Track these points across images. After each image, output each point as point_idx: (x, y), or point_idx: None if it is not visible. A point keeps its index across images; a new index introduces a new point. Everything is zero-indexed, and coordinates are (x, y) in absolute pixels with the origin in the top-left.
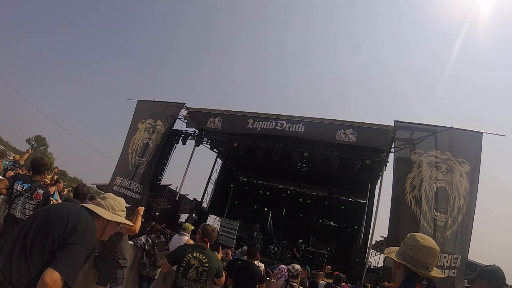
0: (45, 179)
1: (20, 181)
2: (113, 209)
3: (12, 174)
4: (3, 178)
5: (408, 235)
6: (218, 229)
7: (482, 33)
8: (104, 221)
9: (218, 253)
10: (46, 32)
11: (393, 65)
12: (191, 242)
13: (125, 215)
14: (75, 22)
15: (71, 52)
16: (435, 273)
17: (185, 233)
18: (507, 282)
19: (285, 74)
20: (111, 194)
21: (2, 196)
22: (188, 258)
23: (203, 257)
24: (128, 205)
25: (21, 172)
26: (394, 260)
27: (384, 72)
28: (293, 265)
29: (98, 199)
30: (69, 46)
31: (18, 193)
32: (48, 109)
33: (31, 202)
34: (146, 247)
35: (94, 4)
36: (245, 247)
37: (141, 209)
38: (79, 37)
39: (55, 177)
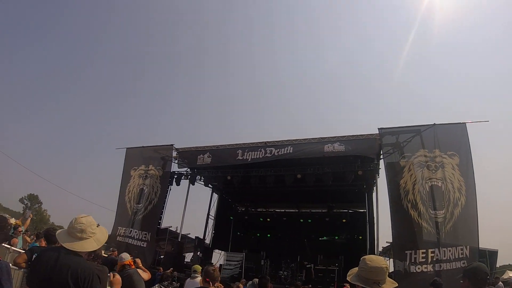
0: None
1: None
2: (93, 233)
3: (17, 241)
4: (22, 251)
5: (361, 258)
6: (224, 263)
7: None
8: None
9: None
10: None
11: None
12: None
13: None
14: (62, 76)
15: (53, 106)
16: (388, 285)
17: (196, 275)
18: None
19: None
20: (82, 220)
21: (22, 270)
22: None
23: None
24: (130, 257)
25: (28, 239)
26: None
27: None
28: None
29: (77, 233)
30: (50, 100)
31: None
32: (36, 166)
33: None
34: None
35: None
36: (256, 280)
37: (139, 261)
38: (62, 93)
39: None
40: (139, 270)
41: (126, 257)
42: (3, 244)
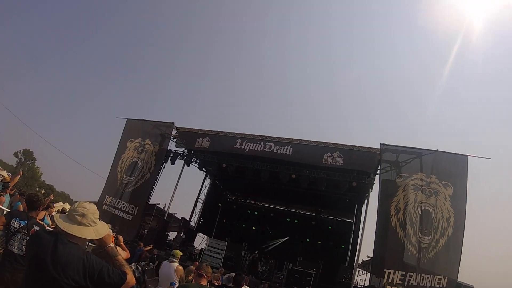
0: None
1: (17, 218)
2: (94, 222)
3: (4, 199)
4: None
5: None
6: (206, 248)
7: (475, 50)
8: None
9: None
10: (40, 48)
11: (390, 82)
12: (180, 268)
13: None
14: (67, 42)
15: (62, 67)
16: None
17: (174, 260)
18: None
19: (282, 95)
20: (85, 205)
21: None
22: None
23: None
24: (114, 229)
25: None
26: None
27: (380, 89)
28: None
29: (77, 217)
30: (60, 62)
31: (15, 230)
32: (36, 124)
33: (33, 233)
34: (136, 274)
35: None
36: (233, 274)
37: (121, 238)
38: (71, 54)
39: (47, 201)
40: (118, 248)
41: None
42: None
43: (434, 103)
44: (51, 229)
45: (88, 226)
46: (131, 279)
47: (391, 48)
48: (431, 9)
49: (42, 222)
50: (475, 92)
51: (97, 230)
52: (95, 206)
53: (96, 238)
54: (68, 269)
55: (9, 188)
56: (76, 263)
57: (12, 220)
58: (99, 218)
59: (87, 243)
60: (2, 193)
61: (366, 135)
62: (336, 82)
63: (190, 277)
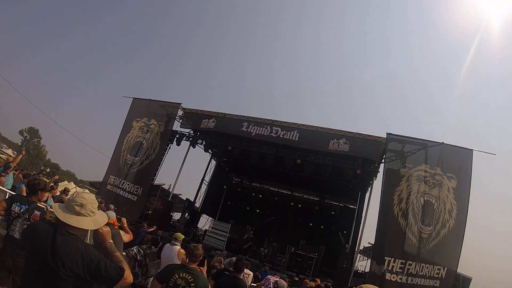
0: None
1: (18, 203)
2: (93, 212)
3: (5, 180)
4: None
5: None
6: (209, 230)
7: (493, 49)
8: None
9: (203, 266)
10: (47, 29)
11: (399, 78)
12: (182, 251)
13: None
14: (76, 21)
15: (69, 47)
16: None
17: (176, 243)
18: None
19: (292, 80)
20: (84, 195)
21: (0, 217)
22: (175, 278)
23: (189, 277)
24: (119, 210)
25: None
26: None
27: (390, 85)
28: (281, 280)
29: (76, 207)
30: (67, 42)
31: (16, 215)
32: (42, 102)
33: (29, 223)
34: (138, 257)
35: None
36: (234, 259)
37: (124, 220)
38: (78, 34)
39: (51, 184)
40: (121, 232)
41: (112, 215)
42: None
43: (442, 98)
44: (52, 210)
45: (86, 216)
46: (128, 275)
47: (404, 43)
48: (447, 8)
49: (45, 204)
50: (488, 92)
51: (96, 220)
52: (93, 196)
53: (95, 228)
54: (67, 260)
55: (11, 168)
56: (75, 254)
57: (13, 205)
58: (97, 207)
59: (88, 231)
60: (3, 174)
61: (372, 125)
62: (345, 73)
63: None
